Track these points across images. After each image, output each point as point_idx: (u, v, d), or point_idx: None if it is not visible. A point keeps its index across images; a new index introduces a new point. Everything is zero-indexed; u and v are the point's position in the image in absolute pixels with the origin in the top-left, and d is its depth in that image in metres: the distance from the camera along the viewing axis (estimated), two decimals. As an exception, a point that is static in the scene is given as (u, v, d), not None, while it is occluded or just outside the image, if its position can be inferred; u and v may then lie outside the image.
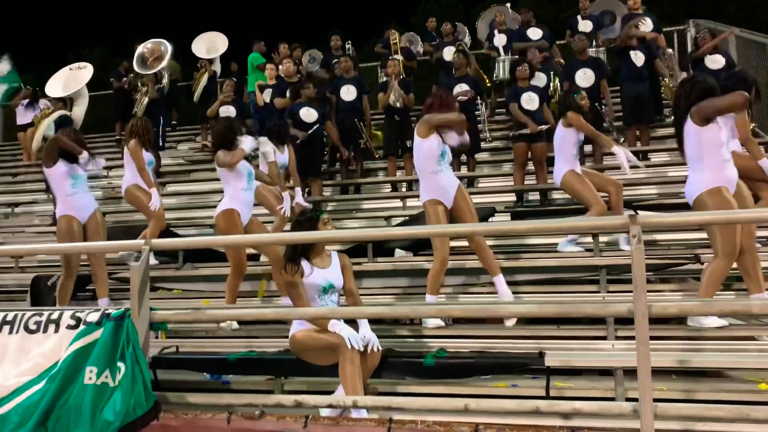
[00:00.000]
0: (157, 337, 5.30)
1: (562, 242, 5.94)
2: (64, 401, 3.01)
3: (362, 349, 3.80)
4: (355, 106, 9.04)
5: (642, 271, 2.46)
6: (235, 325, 5.11)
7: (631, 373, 3.85)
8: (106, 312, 3.17)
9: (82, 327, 3.15)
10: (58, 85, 9.95)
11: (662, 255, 5.72)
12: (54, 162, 5.84)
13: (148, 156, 6.94)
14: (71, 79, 9.88)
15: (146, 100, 10.86)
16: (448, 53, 9.83)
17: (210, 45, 12.25)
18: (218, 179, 9.82)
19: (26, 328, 3.24)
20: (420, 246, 6.63)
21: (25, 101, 13.06)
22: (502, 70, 10.91)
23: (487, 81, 10.22)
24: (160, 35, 11.12)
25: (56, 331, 3.20)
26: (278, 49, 11.42)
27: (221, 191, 9.16)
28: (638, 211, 6.55)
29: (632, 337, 4.50)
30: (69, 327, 3.19)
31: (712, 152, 4.39)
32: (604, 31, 10.63)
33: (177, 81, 13.06)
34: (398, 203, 8.30)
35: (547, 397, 3.82)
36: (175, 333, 5.35)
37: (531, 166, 7.81)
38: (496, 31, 11.06)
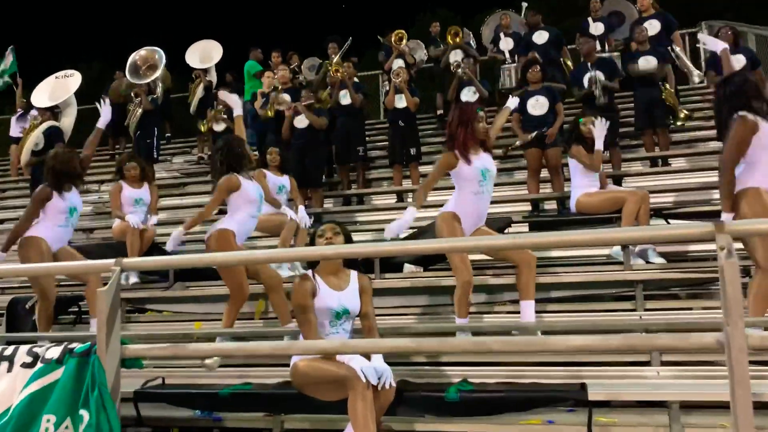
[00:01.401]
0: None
1: (616, 249, 5.42)
2: (14, 458, 2.47)
3: (376, 383, 3.26)
4: (354, 110, 8.55)
5: (738, 293, 1.93)
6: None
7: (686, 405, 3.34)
8: (69, 347, 2.63)
9: (39, 365, 2.61)
10: (44, 94, 9.42)
11: (692, 268, 5.21)
12: (54, 189, 5.25)
13: (133, 193, 6.67)
14: (58, 88, 9.35)
15: (140, 111, 10.37)
16: (455, 55, 9.34)
17: (204, 54, 11.78)
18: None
19: (-26, 367, 2.70)
20: (431, 260, 6.11)
21: (19, 112, 12.66)
22: (508, 79, 10.47)
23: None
24: (157, 46, 10.66)
25: (9, 369, 2.66)
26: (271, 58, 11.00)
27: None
28: (669, 221, 6.05)
29: (680, 363, 4.03)
30: (24, 365, 2.64)
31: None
32: (614, 34, 10.19)
33: (169, 92, 12.58)
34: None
35: (590, 435, 3.29)
36: (161, 362, 4.80)
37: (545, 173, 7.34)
38: (502, 35, 10.62)
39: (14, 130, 12.53)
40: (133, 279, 6.33)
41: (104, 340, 2.51)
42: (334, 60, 9.24)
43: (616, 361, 4.05)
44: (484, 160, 4.54)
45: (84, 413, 2.45)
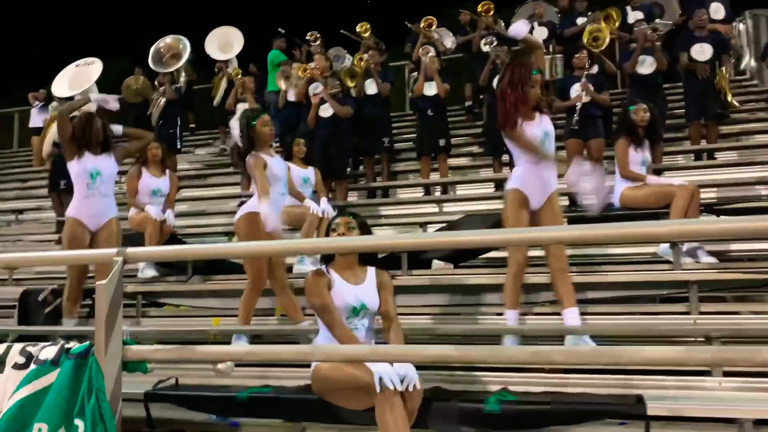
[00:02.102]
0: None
1: (663, 247, 5.02)
2: (1, 473, 2.18)
3: (400, 388, 2.93)
4: (379, 100, 8.22)
5: None
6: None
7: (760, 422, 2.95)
8: (66, 347, 2.33)
9: (32, 367, 2.32)
10: (64, 83, 9.20)
11: (742, 268, 4.79)
12: (74, 154, 5.12)
13: (152, 182, 6.39)
14: (78, 77, 9.12)
15: (163, 101, 10.12)
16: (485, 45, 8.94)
17: (224, 41, 11.45)
18: (237, 183, 9.26)
19: (-37, 367, 2.42)
20: (462, 256, 5.76)
21: (39, 104, 12.56)
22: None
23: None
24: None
25: (0, 371, 2.37)
26: (300, 48, 10.69)
27: (239, 196, 8.54)
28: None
29: (744, 374, 3.64)
30: (17, 366, 2.35)
31: None
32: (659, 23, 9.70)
33: (193, 83, 12.36)
34: (434, 208, 7.41)
35: (648, 454, 2.93)
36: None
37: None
38: (535, 24, 10.15)
39: (35, 121, 12.45)
40: (151, 272, 6.06)
41: (103, 340, 2.21)
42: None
43: (672, 370, 3.65)
44: (539, 125, 4.18)
45: (79, 423, 2.16)
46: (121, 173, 10.25)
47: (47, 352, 2.34)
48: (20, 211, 9.86)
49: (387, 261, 5.59)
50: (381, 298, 3.38)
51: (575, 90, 7.02)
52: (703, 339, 3.87)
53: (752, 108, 8.87)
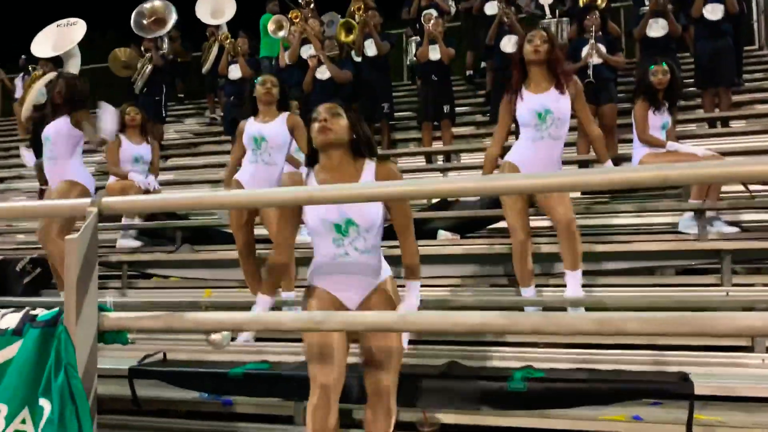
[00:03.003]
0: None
1: (685, 219, 4.71)
2: (-47, 462, 1.83)
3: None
4: (379, 63, 7.81)
5: None
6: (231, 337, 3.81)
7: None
8: (31, 314, 1.97)
9: (-9, 337, 1.95)
10: (46, 44, 8.69)
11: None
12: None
13: (133, 149, 5.99)
14: (61, 38, 8.62)
15: (149, 68, 9.65)
16: (491, 8, 8.51)
17: (215, 8, 10.96)
18: (226, 152, 8.87)
19: None
20: (469, 226, 5.42)
21: (21, 74, 12.06)
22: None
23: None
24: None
25: (-46, 342, 2.00)
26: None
27: (224, 165, 8.20)
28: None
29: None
30: (-26, 337, 1.98)
31: None
32: None
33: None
34: (437, 177, 7.04)
35: (692, 437, 2.62)
36: (163, 333, 4.15)
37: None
38: (542, -15, 9.72)
39: (20, 92, 11.93)
40: (130, 242, 5.68)
41: (74, 305, 1.84)
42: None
43: (709, 345, 3.34)
44: (543, 99, 3.79)
45: (44, 404, 1.80)
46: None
47: (8, 320, 1.97)
48: (1, 180, 9.40)
49: (390, 231, 5.26)
50: (390, 209, 2.56)
51: (586, 52, 6.67)
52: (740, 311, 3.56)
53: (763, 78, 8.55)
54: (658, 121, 5.21)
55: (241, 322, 1.97)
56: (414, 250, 2.67)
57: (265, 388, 3.17)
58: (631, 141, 5.51)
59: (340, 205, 2.45)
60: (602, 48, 6.58)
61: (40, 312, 1.97)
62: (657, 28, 7.09)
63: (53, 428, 1.75)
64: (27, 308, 2.00)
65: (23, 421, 1.83)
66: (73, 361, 1.82)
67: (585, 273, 3.75)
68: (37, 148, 8.19)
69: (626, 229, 5.09)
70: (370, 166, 2.54)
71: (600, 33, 6.75)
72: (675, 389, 2.71)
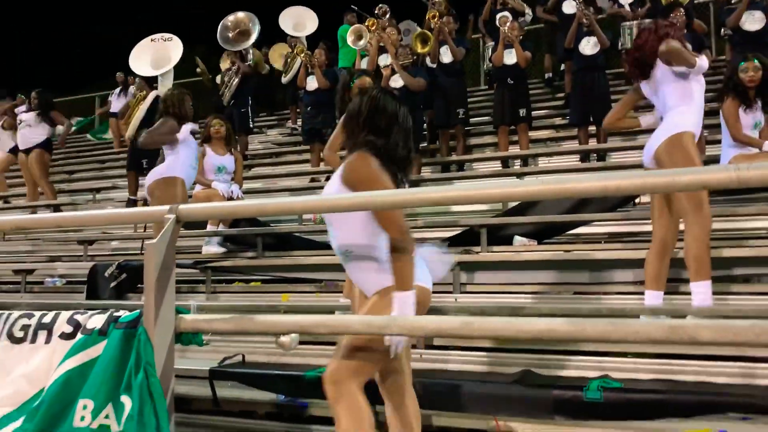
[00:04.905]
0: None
1: None
2: (45, 452, 1.96)
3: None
4: (454, 69, 7.79)
5: None
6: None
7: None
8: (114, 315, 2.09)
9: (79, 336, 2.09)
10: (144, 60, 9.09)
11: None
12: None
13: (217, 160, 6.23)
14: (158, 55, 8.99)
15: (236, 80, 9.97)
16: (569, 6, 8.32)
17: (297, 21, 11.26)
18: (308, 161, 9.09)
19: (11, 336, 2.21)
20: (546, 232, 5.30)
21: (117, 89, 12.77)
22: (629, 38, 9.34)
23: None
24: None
25: (47, 341, 2.15)
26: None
27: (308, 173, 8.42)
28: None
29: None
30: (63, 336, 2.13)
31: None
32: None
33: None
34: (513, 181, 6.95)
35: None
36: (242, 336, 4.29)
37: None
38: (622, -17, 9.43)
39: (115, 106, 12.61)
40: (215, 248, 5.90)
41: (153, 307, 1.94)
42: None
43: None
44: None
45: (125, 400, 1.91)
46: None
47: (95, 320, 2.10)
48: (97, 191, 10.01)
49: (465, 237, 5.23)
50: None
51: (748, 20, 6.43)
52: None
53: None
54: (749, 120, 4.94)
55: (307, 325, 2.01)
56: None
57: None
58: (719, 142, 5.25)
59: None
60: (688, 46, 6.28)
61: (123, 314, 2.09)
62: (753, 21, 6.72)
63: (133, 424, 1.86)
64: (111, 310, 2.13)
65: (107, 416, 1.94)
66: (152, 361, 1.92)
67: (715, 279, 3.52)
68: (137, 161, 8.70)
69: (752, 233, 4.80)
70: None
71: (684, 31, 6.46)
72: (763, 402, 2.56)
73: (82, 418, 1.95)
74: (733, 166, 1.45)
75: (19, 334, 2.22)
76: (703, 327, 1.40)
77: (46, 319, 2.20)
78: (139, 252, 6.81)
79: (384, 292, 2.36)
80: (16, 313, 2.26)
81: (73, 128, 12.06)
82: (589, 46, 7.14)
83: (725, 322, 1.36)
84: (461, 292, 4.56)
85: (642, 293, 3.96)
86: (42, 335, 2.18)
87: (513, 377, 3.12)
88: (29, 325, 2.21)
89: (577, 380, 2.97)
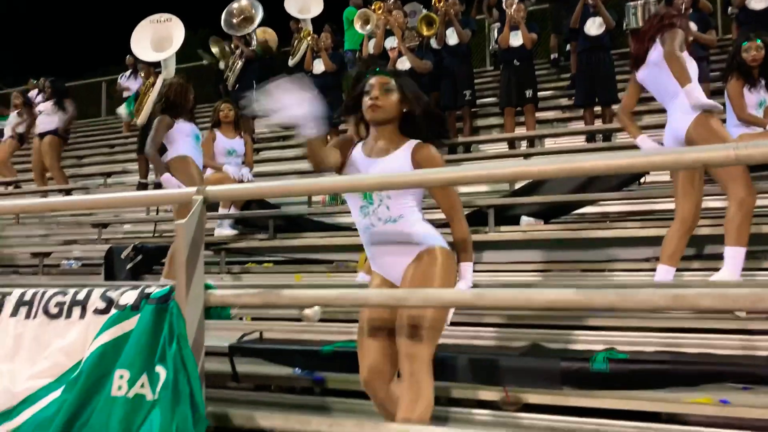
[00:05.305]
0: (241, 319, 4.44)
1: None
2: (84, 419, 2.09)
3: None
4: (461, 51, 7.82)
5: None
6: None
7: None
8: (146, 291, 2.21)
9: (113, 312, 2.21)
10: (145, 44, 9.13)
11: None
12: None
13: (227, 143, 6.30)
14: (159, 37, 9.01)
15: (240, 64, 10.04)
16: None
17: (303, 4, 11.27)
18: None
19: (46, 312, 2.34)
20: (552, 212, 5.40)
21: (127, 72, 12.82)
22: (633, 18, 9.35)
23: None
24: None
25: (82, 316, 2.28)
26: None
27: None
28: None
29: None
30: (97, 311, 2.25)
31: None
32: None
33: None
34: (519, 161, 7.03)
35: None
36: (259, 314, 4.43)
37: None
38: (624, -36, 9.42)
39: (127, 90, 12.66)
40: (227, 231, 6.02)
41: (184, 283, 2.06)
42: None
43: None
44: None
45: (160, 370, 2.03)
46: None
47: (128, 296, 2.23)
48: (108, 175, 10.12)
49: (473, 217, 5.33)
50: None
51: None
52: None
53: None
54: (753, 99, 4.99)
55: (332, 298, 2.13)
56: (460, 231, 2.58)
57: (353, 365, 3.33)
58: (724, 121, 5.31)
59: (366, 168, 2.55)
60: (693, 26, 6.33)
61: (154, 290, 2.21)
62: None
63: (168, 392, 1.98)
64: (143, 286, 2.25)
65: (142, 386, 2.07)
66: (184, 333, 2.04)
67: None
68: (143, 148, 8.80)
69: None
70: (409, 145, 2.54)
71: (690, 10, 6.50)
72: (763, 372, 2.67)
73: (119, 388, 2.07)
74: (732, 144, 1.54)
75: (54, 310, 2.34)
76: (704, 295, 1.51)
77: (80, 296, 2.33)
78: (152, 235, 6.95)
79: (436, 250, 2.46)
80: (50, 291, 2.39)
81: (128, 118, 12.05)
82: (594, 27, 7.17)
83: (724, 290, 1.46)
84: (470, 271, 4.68)
85: (648, 270, 4.09)
86: (76, 311, 2.30)
87: (522, 350, 3.24)
88: (64, 302, 2.34)
89: (584, 353, 3.08)
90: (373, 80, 2.57)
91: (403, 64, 7.44)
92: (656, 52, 3.85)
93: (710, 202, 4.57)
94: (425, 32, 7.74)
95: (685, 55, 3.83)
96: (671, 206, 4.53)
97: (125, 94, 12.51)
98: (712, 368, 2.78)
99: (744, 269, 3.69)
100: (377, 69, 2.61)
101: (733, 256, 3.51)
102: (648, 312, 3.06)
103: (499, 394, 3.00)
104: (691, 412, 2.75)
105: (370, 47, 8.14)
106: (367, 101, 2.54)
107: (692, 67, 3.85)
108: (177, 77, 5.61)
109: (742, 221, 3.53)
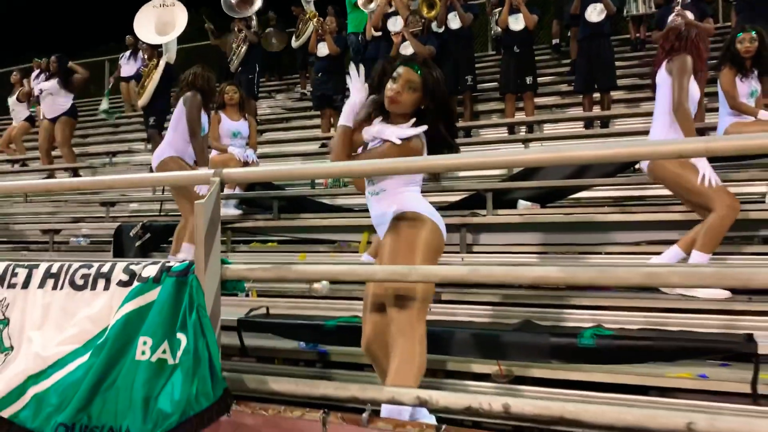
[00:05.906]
0: (247, 295, 4.63)
1: None
2: (111, 381, 2.28)
3: None
4: (462, 35, 7.93)
5: None
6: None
7: None
8: (167, 265, 2.39)
9: (135, 284, 2.39)
10: (149, 27, 9.21)
11: None
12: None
13: (232, 125, 6.44)
14: (162, 20, 9.10)
15: (244, 48, 10.11)
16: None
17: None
18: (317, 126, 9.31)
19: (72, 284, 2.52)
20: (549, 196, 5.56)
21: (127, 53, 12.87)
22: (634, 4, 9.49)
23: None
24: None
25: (106, 288, 2.46)
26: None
27: (317, 139, 8.63)
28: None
29: None
30: (121, 283, 2.43)
31: None
32: None
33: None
34: (519, 148, 7.17)
35: (756, 395, 2.77)
36: (266, 289, 4.63)
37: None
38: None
39: (125, 70, 12.72)
40: (233, 211, 6.18)
41: (203, 258, 2.24)
42: None
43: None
44: None
45: (181, 337, 2.22)
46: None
47: (149, 270, 2.40)
48: (113, 154, 10.27)
49: (471, 201, 5.49)
50: None
51: (671, 18, 6.54)
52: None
53: None
54: (745, 89, 5.13)
55: (339, 273, 2.31)
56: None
57: (355, 338, 3.52)
58: (717, 110, 5.45)
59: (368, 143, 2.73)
60: (689, 14, 6.44)
61: (174, 264, 2.39)
62: None
63: (189, 357, 2.17)
64: (164, 261, 2.43)
65: (164, 351, 2.25)
66: (203, 303, 2.23)
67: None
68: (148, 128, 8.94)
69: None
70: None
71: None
72: (739, 348, 2.85)
73: (143, 353, 2.26)
74: (704, 138, 1.71)
75: (80, 282, 2.52)
76: (674, 273, 1.69)
77: (104, 269, 2.50)
78: (158, 213, 7.13)
79: (405, 215, 2.60)
80: (76, 264, 2.57)
81: (109, 117, 12.16)
82: (595, 13, 7.27)
83: (692, 269, 1.64)
84: (467, 252, 4.87)
85: (641, 253, 4.28)
86: (101, 283, 2.48)
87: (514, 326, 3.43)
88: (89, 274, 2.52)
89: (573, 329, 3.27)
90: (402, 70, 2.62)
91: (406, 49, 7.56)
92: (661, 75, 4.02)
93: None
94: (426, 14, 7.83)
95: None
96: (664, 192, 4.72)
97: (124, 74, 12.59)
98: (693, 344, 2.96)
99: (722, 253, 3.90)
100: (414, 64, 2.65)
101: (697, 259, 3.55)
102: (625, 287, 3.24)
103: (492, 368, 3.20)
104: (672, 386, 2.95)
105: (373, 29, 8.24)
106: (389, 90, 2.62)
107: (693, 88, 4.00)
108: (198, 66, 5.62)
109: (718, 232, 3.65)
